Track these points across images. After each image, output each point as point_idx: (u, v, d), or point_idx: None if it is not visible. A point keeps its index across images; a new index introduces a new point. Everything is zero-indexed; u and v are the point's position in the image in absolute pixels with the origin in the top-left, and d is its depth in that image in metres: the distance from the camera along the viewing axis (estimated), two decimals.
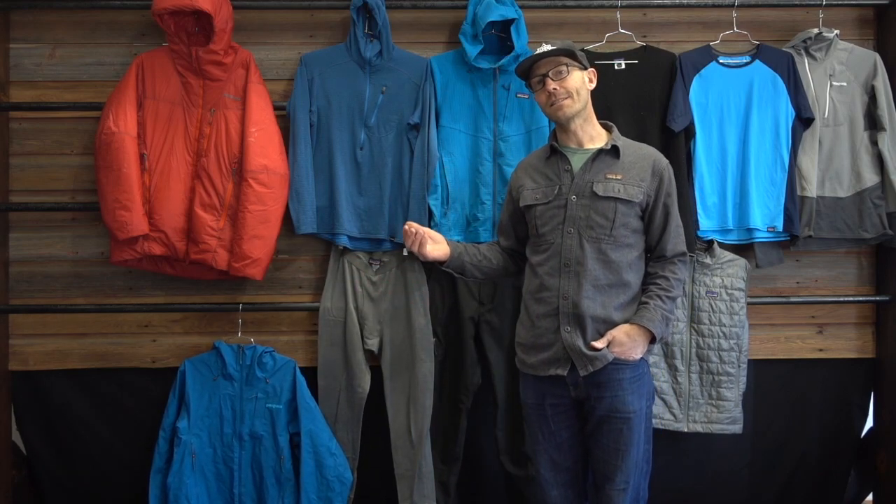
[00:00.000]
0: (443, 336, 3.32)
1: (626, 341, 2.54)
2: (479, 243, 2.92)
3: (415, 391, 3.28)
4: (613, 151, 2.63)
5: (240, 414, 3.25)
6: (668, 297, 2.58)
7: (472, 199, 3.28)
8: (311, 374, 3.33)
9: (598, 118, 2.74)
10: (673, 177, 2.67)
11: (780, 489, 3.53)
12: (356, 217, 3.29)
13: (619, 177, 2.59)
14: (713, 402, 3.25)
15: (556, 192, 2.63)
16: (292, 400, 3.25)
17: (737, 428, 3.27)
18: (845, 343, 3.50)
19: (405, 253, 3.26)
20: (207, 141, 3.20)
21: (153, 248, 3.18)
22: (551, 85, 2.60)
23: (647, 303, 2.58)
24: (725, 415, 3.25)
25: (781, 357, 3.49)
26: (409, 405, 3.29)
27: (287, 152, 3.26)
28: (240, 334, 3.36)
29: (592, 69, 2.70)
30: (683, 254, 2.65)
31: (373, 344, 3.32)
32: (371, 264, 3.34)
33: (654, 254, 2.65)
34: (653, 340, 2.57)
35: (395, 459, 3.31)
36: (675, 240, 2.63)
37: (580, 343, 2.55)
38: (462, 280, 3.29)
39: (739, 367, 3.27)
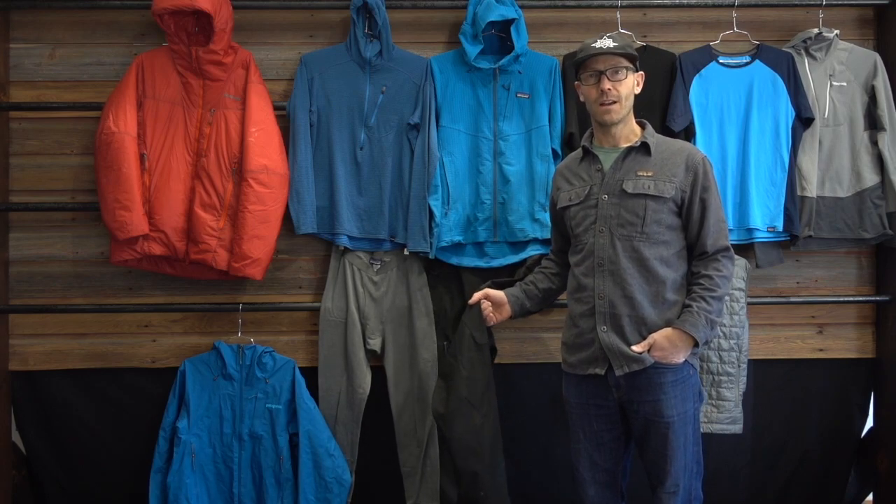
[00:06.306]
0: (453, 338, 3.32)
1: (666, 346, 2.49)
2: (535, 276, 2.85)
3: (419, 391, 3.28)
4: (644, 149, 2.60)
5: (239, 414, 3.25)
6: (712, 297, 2.50)
7: (473, 199, 3.28)
8: (311, 374, 3.33)
9: None
10: (710, 171, 2.59)
11: (780, 489, 3.54)
12: (356, 217, 3.29)
13: (649, 173, 2.56)
14: (713, 402, 3.25)
15: (587, 191, 2.62)
16: (292, 400, 3.25)
17: (737, 428, 3.26)
18: (845, 343, 3.50)
19: (406, 253, 3.26)
20: (207, 141, 3.20)
21: (153, 248, 3.18)
22: (607, 84, 2.55)
23: (690, 305, 2.51)
24: (725, 415, 3.24)
25: (781, 357, 3.49)
26: (413, 404, 3.30)
27: (287, 152, 3.26)
28: (240, 334, 3.36)
29: (642, 72, 2.67)
30: (727, 249, 2.57)
31: (375, 344, 3.32)
32: (372, 264, 3.34)
33: (695, 251, 2.58)
34: (696, 344, 2.50)
35: (401, 458, 3.31)
36: (716, 235, 2.55)
37: (617, 342, 2.52)
38: (468, 283, 3.29)
39: (739, 367, 3.26)
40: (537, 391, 3.42)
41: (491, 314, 2.78)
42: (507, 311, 2.79)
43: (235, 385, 3.27)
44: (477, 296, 2.81)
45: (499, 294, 2.79)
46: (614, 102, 2.57)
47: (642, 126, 2.68)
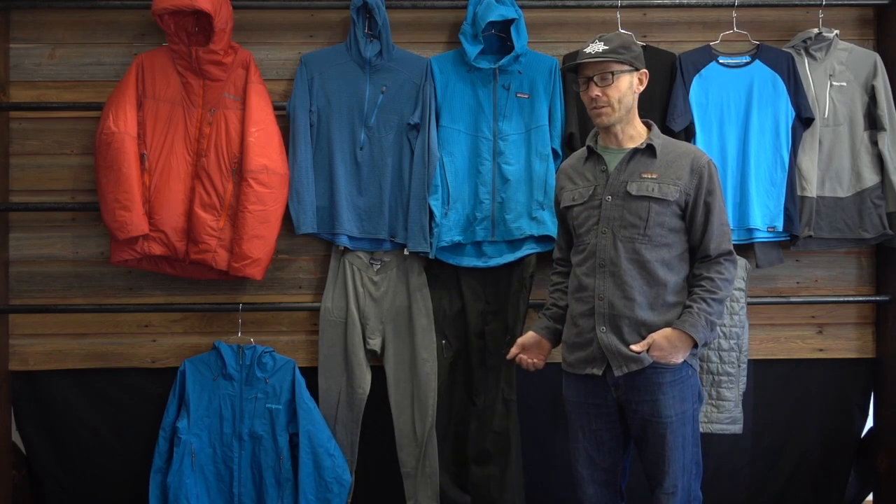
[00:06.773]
0: (452, 338, 3.32)
1: (665, 346, 2.48)
2: (553, 297, 2.80)
3: (418, 391, 3.28)
4: (649, 150, 2.59)
5: (239, 414, 3.25)
6: (713, 299, 2.50)
7: (472, 199, 3.29)
8: (311, 374, 3.33)
9: None
10: (715, 174, 2.58)
11: (780, 489, 3.54)
12: (356, 217, 3.30)
13: (654, 176, 2.55)
14: (713, 402, 3.25)
15: (591, 192, 2.62)
16: (292, 400, 3.25)
17: (737, 428, 3.26)
18: (845, 343, 3.50)
19: (406, 253, 3.27)
20: (207, 141, 3.20)
21: (153, 248, 3.18)
22: (594, 91, 2.54)
23: (690, 306, 2.51)
24: (725, 415, 3.25)
25: (781, 357, 3.49)
26: (413, 404, 3.30)
27: (287, 152, 3.26)
28: (240, 334, 3.36)
29: (644, 70, 2.64)
30: (730, 252, 2.57)
31: (375, 344, 3.32)
32: (372, 264, 3.34)
33: (698, 254, 2.57)
34: (695, 345, 2.50)
35: (401, 458, 3.31)
36: (719, 238, 2.54)
37: (615, 343, 2.52)
38: (466, 283, 3.30)
39: (739, 367, 3.27)
40: (537, 391, 3.42)
41: (535, 361, 2.77)
42: (545, 345, 2.77)
43: (235, 385, 3.27)
44: (513, 352, 2.80)
45: (529, 337, 2.78)
46: (605, 106, 2.56)
47: (648, 127, 2.67)
